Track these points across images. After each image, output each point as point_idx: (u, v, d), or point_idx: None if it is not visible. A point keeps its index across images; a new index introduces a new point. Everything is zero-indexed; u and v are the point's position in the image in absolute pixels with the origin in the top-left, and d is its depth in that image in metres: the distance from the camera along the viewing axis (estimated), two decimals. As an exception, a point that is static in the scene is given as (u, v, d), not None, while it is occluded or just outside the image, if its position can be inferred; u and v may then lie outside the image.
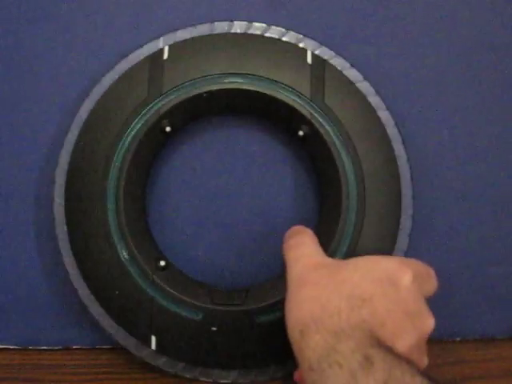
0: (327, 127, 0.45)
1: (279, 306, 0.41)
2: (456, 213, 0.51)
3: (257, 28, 0.46)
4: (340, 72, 0.46)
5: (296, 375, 0.41)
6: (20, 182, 0.50)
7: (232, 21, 0.46)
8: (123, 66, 0.46)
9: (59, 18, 0.50)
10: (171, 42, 0.46)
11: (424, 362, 0.37)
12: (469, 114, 0.51)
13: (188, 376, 0.46)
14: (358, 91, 0.46)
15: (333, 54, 0.46)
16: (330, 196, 0.46)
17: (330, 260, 0.40)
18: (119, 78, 0.46)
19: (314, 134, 0.45)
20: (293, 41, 0.46)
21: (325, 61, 0.46)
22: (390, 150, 0.46)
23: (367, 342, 0.33)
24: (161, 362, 0.45)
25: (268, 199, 0.50)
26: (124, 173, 0.45)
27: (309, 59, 0.46)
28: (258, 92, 0.45)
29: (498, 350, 0.51)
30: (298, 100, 0.45)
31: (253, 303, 0.45)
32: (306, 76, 0.45)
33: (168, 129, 0.46)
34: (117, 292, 0.45)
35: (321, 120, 0.45)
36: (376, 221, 0.45)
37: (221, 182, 0.50)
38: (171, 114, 0.45)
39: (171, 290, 0.45)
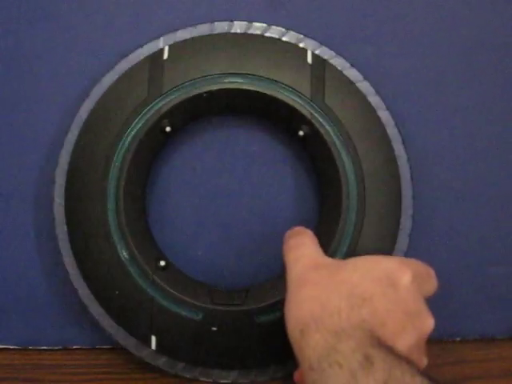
0: (327, 127, 0.45)
1: (279, 306, 0.41)
2: (456, 213, 0.51)
3: (257, 28, 0.46)
4: (340, 72, 0.46)
5: (296, 375, 0.41)
6: (20, 181, 0.50)
7: (232, 21, 0.46)
8: (123, 65, 0.46)
9: (59, 18, 0.49)
10: (171, 42, 0.46)
11: (423, 362, 0.37)
12: (469, 113, 0.51)
13: (188, 376, 0.46)
14: (358, 91, 0.46)
15: (333, 53, 0.46)
16: (330, 196, 0.47)
17: (329, 260, 0.40)
18: (119, 77, 0.46)
19: (314, 134, 0.45)
20: (293, 41, 0.46)
21: (325, 61, 0.46)
22: (390, 149, 0.46)
23: (367, 341, 0.33)
24: (161, 362, 0.45)
25: (268, 199, 0.50)
26: (124, 173, 0.45)
27: (309, 59, 0.46)
28: (258, 92, 0.45)
29: (498, 349, 0.51)
30: (298, 100, 0.45)
31: (253, 303, 0.45)
32: (306, 76, 0.45)
33: (168, 129, 0.46)
34: (117, 292, 0.45)
35: (321, 120, 0.45)
36: (376, 221, 0.45)
37: (221, 182, 0.50)
38: (171, 114, 0.45)
39: (171, 290, 0.45)
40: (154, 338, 0.45)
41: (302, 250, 0.40)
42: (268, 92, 0.45)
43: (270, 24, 0.46)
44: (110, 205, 0.45)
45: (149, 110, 0.45)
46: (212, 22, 0.46)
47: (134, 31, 0.49)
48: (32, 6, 0.49)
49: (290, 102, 0.45)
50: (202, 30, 0.46)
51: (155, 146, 0.47)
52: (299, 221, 0.50)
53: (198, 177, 0.50)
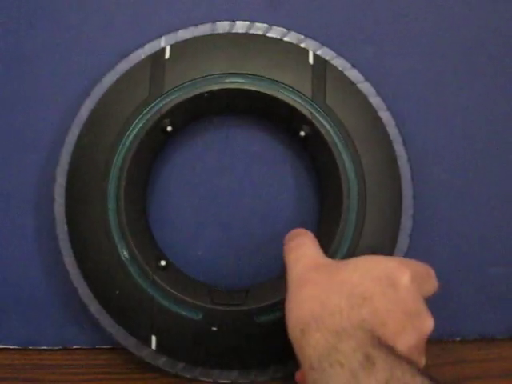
0: (328, 127, 0.45)
1: (279, 306, 0.41)
2: (456, 213, 0.51)
3: (258, 28, 0.46)
4: (341, 72, 0.46)
5: (298, 375, 0.41)
6: (20, 182, 0.50)
7: (234, 21, 0.46)
8: (124, 65, 0.46)
9: (59, 18, 0.49)
10: (173, 42, 0.46)
11: (422, 361, 0.37)
12: (469, 113, 0.51)
13: (188, 376, 0.46)
14: (359, 92, 0.46)
15: (334, 54, 0.46)
16: (331, 196, 0.47)
17: (329, 261, 0.40)
18: (120, 77, 0.46)
19: (315, 135, 0.45)
20: (294, 41, 0.46)
21: (326, 61, 0.46)
22: (391, 150, 0.46)
23: (368, 341, 0.33)
24: (161, 361, 0.45)
25: (268, 199, 0.50)
26: (125, 172, 0.45)
27: (310, 59, 0.46)
28: (259, 92, 0.45)
29: (498, 349, 0.51)
30: (299, 100, 0.45)
31: (253, 303, 0.45)
32: (307, 76, 0.45)
33: (169, 128, 0.46)
34: (117, 292, 0.45)
35: (322, 120, 0.45)
36: (377, 221, 0.45)
37: (221, 182, 0.50)
38: (172, 114, 0.45)
39: (171, 290, 0.45)
40: (154, 338, 0.45)
41: (303, 250, 0.40)
42: (269, 92, 0.45)
43: (271, 24, 0.46)
44: (111, 204, 0.45)
45: (150, 109, 0.45)
46: (213, 21, 0.46)
47: (135, 31, 0.49)
48: (32, 5, 0.49)
49: (291, 103, 0.45)
50: (204, 29, 0.46)
51: (156, 146, 0.47)
52: (299, 221, 0.50)
53: (198, 177, 0.50)
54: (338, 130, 0.45)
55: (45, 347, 0.51)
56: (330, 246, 0.44)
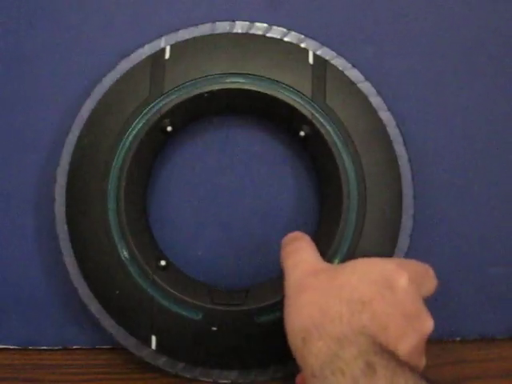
0: (328, 127, 0.45)
1: (279, 306, 0.40)
2: (456, 213, 0.51)
3: (258, 28, 0.46)
4: (341, 72, 0.46)
5: (298, 378, 0.41)
6: (20, 182, 0.50)
7: (234, 21, 0.46)
8: (125, 65, 0.46)
9: (59, 18, 0.49)
10: (173, 42, 0.46)
11: (422, 362, 0.37)
12: (469, 113, 0.51)
13: (188, 376, 0.46)
14: (359, 92, 0.46)
15: (334, 54, 0.46)
16: (331, 196, 0.46)
17: (327, 265, 0.40)
18: (120, 77, 0.46)
19: (315, 135, 0.45)
20: (294, 41, 0.46)
21: (326, 61, 0.46)
22: (391, 150, 0.46)
23: (370, 348, 0.33)
24: (161, 361, 0.45)
25: (268, 199, 0.50)
26: (125, 172, 0.45)
27: (310, 59, 0.46)
28: (259, 92, 0.45)
29: (498, 349, 0.51)
30: (300, 100, 0.45)
31: (253, 303, 0.45)
32: (307, 76, 0.45)
33: (169, 128, 0.46)
34: (117, 292, 0.45)
35: (322, 120, 0.45)
36: (377, 221, 0.45)
37: (221, 182, 0.50)
38: (172, 114, 0.45)
39: (171, 290, 0.45)
40: (154, 338, 0.45)
41: (301, 255, 0.40)
42: (269, 92, 0.45)
43: (270, 24, 0.46)
44: (111, 204, 0.45)
45: (150, 109, 0.45)
46: (214, 21, 0.46)
47: (135, 31, 0.49)
48: (32, 5, 0.49)
49: (291, 103, 0.45)
50: (204, 29, 0.46)
51: (156, 146, 0.47)
52: (299, 221, 0.50)
53: (198, 177, 0.50)
54: (338, 130, 0.45)
55: (45, 347, 0.51)
56: (330, 245, 0.44)
